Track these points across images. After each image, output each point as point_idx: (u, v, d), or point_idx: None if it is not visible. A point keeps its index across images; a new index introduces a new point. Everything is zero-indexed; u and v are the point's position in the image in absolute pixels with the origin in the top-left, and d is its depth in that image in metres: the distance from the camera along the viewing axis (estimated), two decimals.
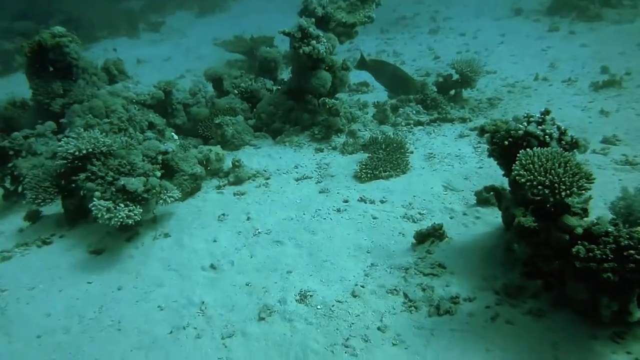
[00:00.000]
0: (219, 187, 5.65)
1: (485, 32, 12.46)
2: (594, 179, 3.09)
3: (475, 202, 4.86)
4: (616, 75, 8.25)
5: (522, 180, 3.16)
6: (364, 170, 5.44)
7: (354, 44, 12.97)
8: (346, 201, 5.09)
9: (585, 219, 3.31)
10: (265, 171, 5.82)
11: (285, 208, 5.13)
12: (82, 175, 4.95)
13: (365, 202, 5.05)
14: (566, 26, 11.73)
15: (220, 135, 6.42)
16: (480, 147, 6.04)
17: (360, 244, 4.44)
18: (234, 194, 5.47)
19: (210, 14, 19.27)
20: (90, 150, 5.04)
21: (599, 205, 4.74)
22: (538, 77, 8.85)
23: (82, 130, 5.91)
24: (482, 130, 3.86)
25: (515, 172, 3.22)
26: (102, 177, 4.96)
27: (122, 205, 4.61)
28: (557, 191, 3.02)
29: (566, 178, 3.04)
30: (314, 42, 5.96)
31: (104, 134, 6.45)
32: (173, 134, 5.89)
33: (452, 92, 7.80)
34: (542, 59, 9.97)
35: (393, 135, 6.43)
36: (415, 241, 4.28)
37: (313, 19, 6.53)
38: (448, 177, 5.45)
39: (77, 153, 5.00)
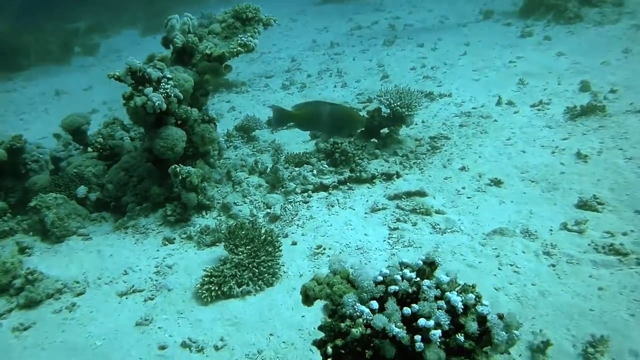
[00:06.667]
0: (0, 315, 3.79)
1: (447, 41, 10.59)
2: None
3: None
4: (599, 94, 6.44)
5: None
6: (206, 286, 3.57)
7: (297, 62, 11.15)
8: (163, 347, 3.22)
9: None
10: (78, 282, 3.94)
11: (73, 357, 3.27)
12: None
13: (191, 350, 3.18)
14: (541, 30, 9.87)
15: (37, 222, 4.58)
16: (397, 229, 4.19)
17: None
18: (14, 329, 3.60)
19: (154, 32, 17.44)
20: None
21: (566, 349, 2.88)
22: (501, 100, 7.00)
23: None
24: (305, 297, 2.00)
25: None
26: None
27: None
28: None
29: None
30: (148, 89, 4.10)
31: None
32: None
33: (385, 130, 5.97)
34: (509, 74, 8.11)
35: (280, 211, 4.56)
36: None
37: (168, 54, 4.72)
38: None
39: None
